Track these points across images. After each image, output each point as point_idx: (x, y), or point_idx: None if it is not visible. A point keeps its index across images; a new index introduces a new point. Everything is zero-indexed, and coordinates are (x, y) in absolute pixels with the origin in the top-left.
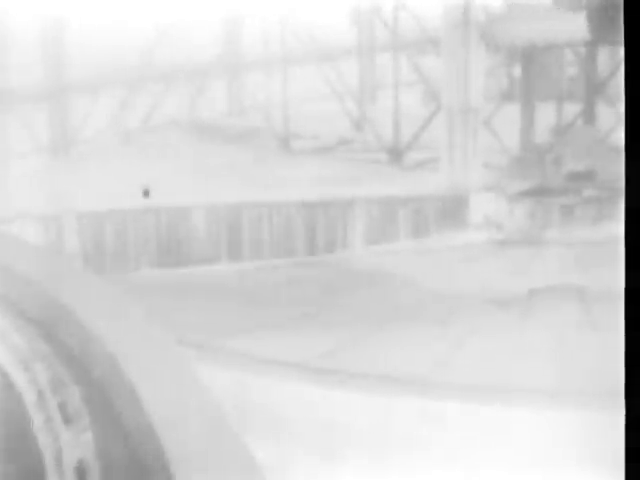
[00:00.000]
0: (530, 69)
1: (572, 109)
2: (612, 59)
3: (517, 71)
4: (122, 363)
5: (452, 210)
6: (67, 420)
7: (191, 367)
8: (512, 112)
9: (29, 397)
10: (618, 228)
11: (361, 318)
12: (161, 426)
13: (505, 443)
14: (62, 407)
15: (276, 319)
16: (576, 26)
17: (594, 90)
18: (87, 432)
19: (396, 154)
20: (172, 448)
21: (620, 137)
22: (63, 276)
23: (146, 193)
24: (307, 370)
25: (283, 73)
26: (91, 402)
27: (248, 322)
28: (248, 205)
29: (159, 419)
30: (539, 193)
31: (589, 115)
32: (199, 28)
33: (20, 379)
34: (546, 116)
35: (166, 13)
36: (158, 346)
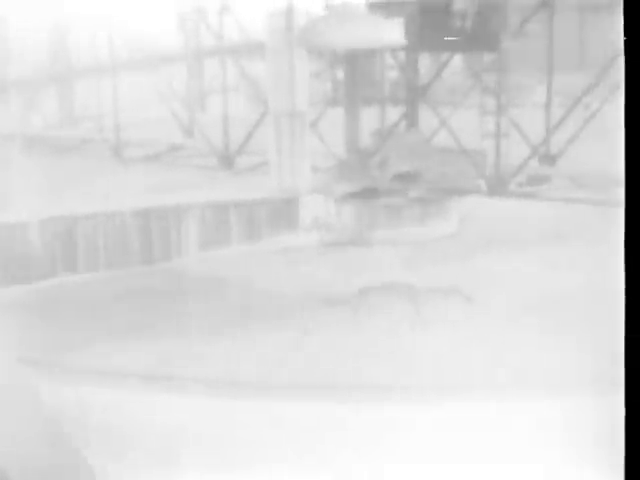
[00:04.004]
0: (353, 73)
1: (395, 112)
2: (433, 64)
3: (341, 75)
4: None
5: (283, 213)
6: None
7: (30, 384)
8: (337, 115)
9: None
10: (444, 227)
11: (198, 324)
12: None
13: (347, 440)
14: None
15: (113, 330)
16: (393, 32)
17: (416, 94)
18: None
19: (226, 159)
20: (14, 472)
21: (441, 139)
22: None
23: None
24: (146, 378)
25: (112, 81)
26: None
27: (86, 335)
28: (82, 216)
29: None
30: (366, 195)
31: (412, 118)
32: (26, 37)
33: None
34: (370, 119)
35: None
36: None
